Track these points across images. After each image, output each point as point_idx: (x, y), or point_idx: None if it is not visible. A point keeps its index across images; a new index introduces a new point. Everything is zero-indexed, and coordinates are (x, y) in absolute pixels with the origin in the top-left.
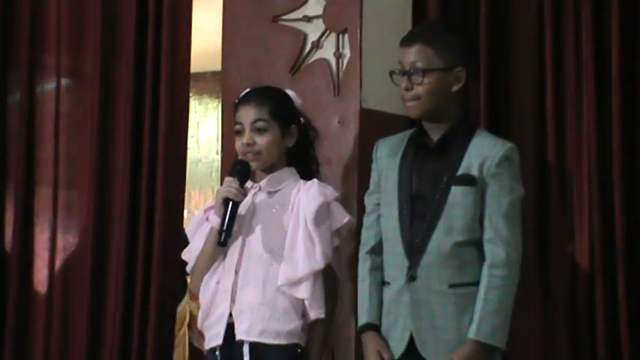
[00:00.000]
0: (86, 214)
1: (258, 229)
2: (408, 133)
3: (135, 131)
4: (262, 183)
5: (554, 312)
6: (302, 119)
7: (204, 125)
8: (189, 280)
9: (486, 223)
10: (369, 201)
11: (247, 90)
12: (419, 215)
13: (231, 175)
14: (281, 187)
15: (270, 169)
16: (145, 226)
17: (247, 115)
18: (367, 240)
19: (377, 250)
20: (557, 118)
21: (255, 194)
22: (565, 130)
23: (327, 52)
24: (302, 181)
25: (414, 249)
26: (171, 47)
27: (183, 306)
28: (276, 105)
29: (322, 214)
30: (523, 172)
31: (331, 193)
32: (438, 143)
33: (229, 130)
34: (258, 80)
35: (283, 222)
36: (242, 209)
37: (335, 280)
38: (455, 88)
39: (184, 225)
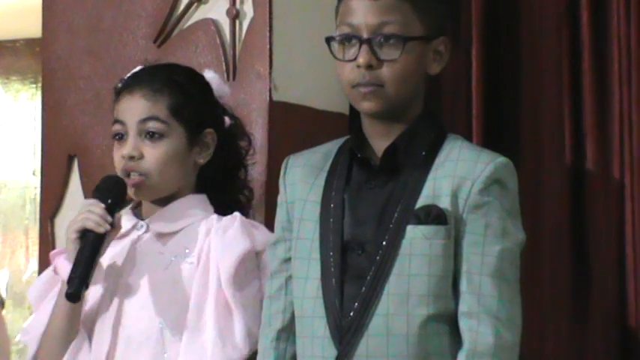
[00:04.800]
0: None
1: (140, 293)
2: (337, 144)
3: None
4: (151, 220)
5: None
6: (227, 119)
7: (14, 126)
8: None
9: (463, 286)
10: (273, 255)
11: (136, 69)
12: (354, 275)
13: (94, 196)
14: (180, 226)
15: (166, 201)
16: None
17: (133, 109)
18: (271, 318)
19: (286, 333)
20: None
21: (139, 238)
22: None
23: (214, 8)
24: (215, 217)
25: (347, 330)
26: None
27: None
28: (181, 95)
29: (247, 271)
30: (529, 199)
31: (263, 235)
32: (385, 158)
33: (53, 134)
34: (103, 55)
35: (183, 282)
36: (115, 257)
37: None
38: (434, 69)
39: None
